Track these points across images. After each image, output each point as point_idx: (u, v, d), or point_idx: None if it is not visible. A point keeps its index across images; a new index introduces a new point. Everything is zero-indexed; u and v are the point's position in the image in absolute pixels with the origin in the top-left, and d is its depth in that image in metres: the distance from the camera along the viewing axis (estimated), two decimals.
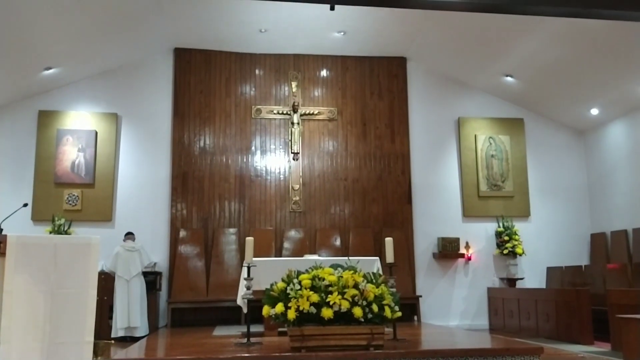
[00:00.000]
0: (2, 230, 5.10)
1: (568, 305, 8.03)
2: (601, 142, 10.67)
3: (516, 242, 10.25)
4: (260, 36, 9.82)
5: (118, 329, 8.21)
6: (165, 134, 10.16)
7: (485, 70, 10.24)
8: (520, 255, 10.27)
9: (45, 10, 7.38)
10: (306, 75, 10.67)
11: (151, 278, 9.14)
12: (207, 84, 10.36)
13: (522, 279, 10.30)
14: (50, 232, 9.10)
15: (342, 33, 9.78)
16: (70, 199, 9.57)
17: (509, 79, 10.17)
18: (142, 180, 9.94)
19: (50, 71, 9.19)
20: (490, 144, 10.76)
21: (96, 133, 9.83)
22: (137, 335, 8.23)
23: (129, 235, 8.95)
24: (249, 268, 5.55)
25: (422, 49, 10.30)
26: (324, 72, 10.71)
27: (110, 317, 8.38)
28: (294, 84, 10.58)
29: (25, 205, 7.07)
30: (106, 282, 8.49)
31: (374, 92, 10.74)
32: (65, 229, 9.25)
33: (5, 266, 3.76)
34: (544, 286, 10.37)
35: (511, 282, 10.20)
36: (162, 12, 8.78)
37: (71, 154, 9.70)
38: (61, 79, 9.65)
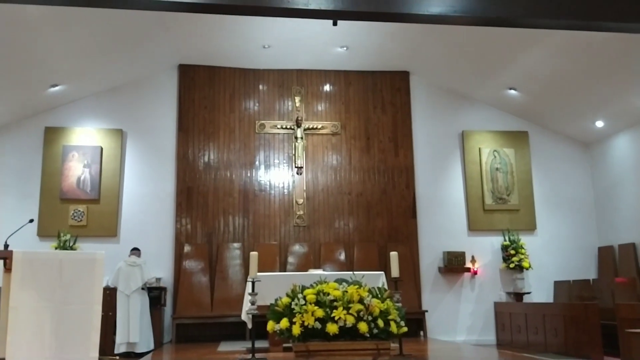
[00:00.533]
0: (8, 246, 5.11)
1: (576, 320, 7.95)
2: (607, 155, 10.64)
3: (522, 256, 10.19)
4: (263, 52, 9.89)
5: (119, 344, 8.18)
6: (169, 149, 10.20)
7: (489, 84, 10.26)
8: (527, 269, 10.20)
9: (52, 29, 7.45)
10: (309, 90, 10.71)
11: (156, 293, 9.12)
12: (211, 100, 10.42)
13: (529, 293, 10.22)
14: (56, 248, 9.10)
15: (344, 48, 9.83)
16: (75, 215, 9.59)
17: (512, 92, 10.18)
18: (146, 195, 9.96)
19: (57, 88, 9.26)
20: (495, 157, 10.75)
21: (101, 149, 9.87)
22: (138, 351, 8.19)
23: (135, 250, 8.95)
24: (253, 283, 5.53)
25: (425, 63, 10.33)
26: (327, 87, 10.75)
27: (115, 333, 8.35)
28: (297, 99, 10.62)
29: (31, 221, 7.07)
30: (111, 297, 8.46)
31: (377, 106, 10.77)
32: (70, 245, 9.26)
33: (11, 282, 3.77)
34: (551, 300, 10.29)
35: (518, 296, 10.12)
36: (166, 30, 8.86)
37: (77, 170, 9.74)
38: (67, 96, 9.72)
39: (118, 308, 8.35)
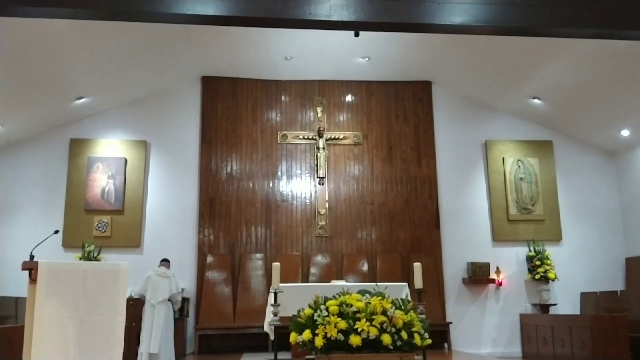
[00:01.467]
0: (33, 257, 5.18)
1: (604, 332, 7.77)
2: (633, 164, 10.44)
3: (548, 267, 10.02)
4: (285, 63, 9.94)
5: (141, 353, 8.20)
6: (193, 160, 10.29)
7: (512, 93, 10.16)
8: (552, 280, 10.02)
9: (77, 42, 7.59)
10: (331, 100, 10.73)
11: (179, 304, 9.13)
12: (234, 111, 10.49)
13: (555, 304, 10.04)
14: (80, 259, 9.22)
15: (366, 59, 9.83)
16: (100, 226, 9.70)
17: (536, 101, 10.07)
18: (170, 206, 10.05)
19: (82, 100, 9.41)
20: (519, 166, 10.62)
21: (126, 160, 9.99)
22: None
23: (165, 262, 9.00)
24: (275, 294, 5.52)
25: (447, 72, 10.28)
26: (348, 97, 10.76)
27: (138, 344, 8.38)
28: (319, 110, 10.64)
29: (57, 232, 7.16)
30: (135, 308, 8.51)
31: (399, 116, 10.74)
32: (94, 256, 9.37)
33: (36, 293, 3.82)
34: (578, 312, 10.09)
35: (544, 308, 9.94)
36: (190, 42, 8.96)
37: (101, 181, 9.87)
38: (92, 108, 9.88)
39: (144, 317, 8.38)
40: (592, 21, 5.34)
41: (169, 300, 8.49)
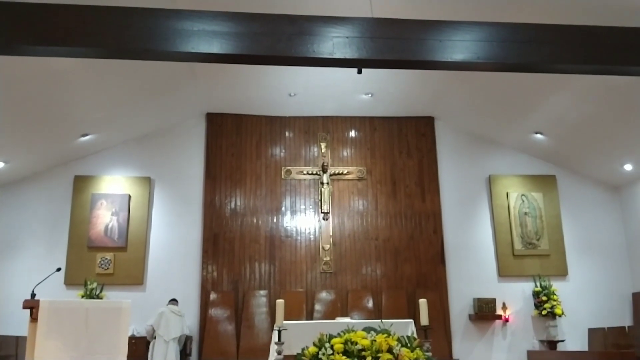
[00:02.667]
0: (35, 295, 5.14)
1: None
2: (637, 198, 10.40)
3: (555, 303, 9.89)
4: (289, 100, 10.03)
5: None
6: (197, 196, 10.30)
7: (514, 128, 10.21)
8: (559, 316, 9.89)
9: (82, 80, 7.69)
10: (335, 136, 10.79)
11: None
12: (238, 147, 10.55)
13: (562, 341, 9.88)
14: (83, 297, 9.15)
15: (369, 95, 9.92)
16: (102, 263, 9.66)
17: (538, 136, 10.10)
18: (173, 242, 10.02)
19: (87, 137, 9.49)
20: (523, 201, 10.59)
21: (129, 197, 10.00)
22: None
23: (174, 301, 8.99)
24: (279, 332, 5.45)
25: (450, 108, 10.35)
26: (352, 133, 10.82)
27: None
28: (323, 145, 10.69)
29: (59, 269, 7.14)
30: (136, 347, 8.43)
31: (403, 151, 10.77)
32: (97, 293, 9.30)
33: (37, 332, 3.77)
34: (586, 348, 9.91)
35: (552, 344, 9.78)
36: (195, 79, 9.08)
37: (105, 218, 9.86)
38: (97, 144, 9.95)
39: (154, 353, 8.30)
40: (592, 57, 5.39)
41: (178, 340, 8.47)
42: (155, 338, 8.46)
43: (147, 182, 10.16)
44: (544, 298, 9.94)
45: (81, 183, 10.00)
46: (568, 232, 10.56)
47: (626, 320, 10.10)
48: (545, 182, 10.74)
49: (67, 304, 4.12)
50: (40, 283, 6.41)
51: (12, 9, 4.92)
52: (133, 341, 8.22)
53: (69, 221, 9.82)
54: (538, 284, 10.12)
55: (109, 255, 9.71)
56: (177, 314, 8.63)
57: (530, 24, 5.42)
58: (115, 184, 10.07)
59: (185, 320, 8.81)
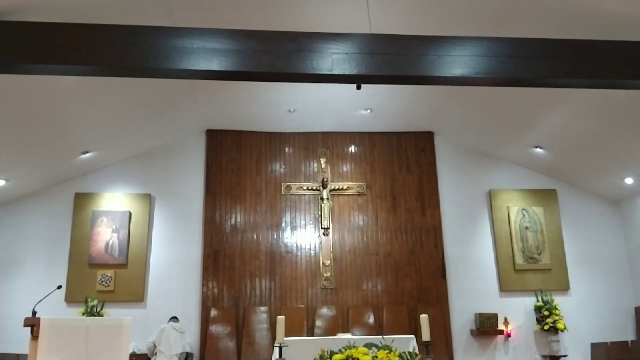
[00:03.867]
0: (35, 313, 5.12)
1: None
2: (638, 212, 10.39)
3: (557, 317, 9.84)
4: (289, 116, 10.07)
5: None
6: (197, 213, 10.29)
7: (514, 143, 10.23)
8: (562, 330, 9.83)
9: (83, 98, 7.72)
10: (334, 151, 10.81)
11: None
12: (238, 163, 10.57)
13: (565, 356, 9.81)
14: (83, 314, 9.12)
15: (368, 110, 9.96)
16: (103, 280, 9.63)
17: (538, 150, 10.13)
18: (174, 259, 9.99)
19: (87, 155, 9.51)
20: (524, 215, 10.59)
21: (130, 214, 10.00)
22: None
23: (174, 319, 8.96)
24: (280, 348, 5.42)
25: (449, 123, 10.39)
26: (352, 148, 10.84)
27: None
28: (322, 161, 10.71)
29: (59, 287, 7.11)
30: (155, 356, 8.39)
31: (403, 166, 10.79)
32: (97, 310, 9.26)
33: (38, 350, 3.76)
34: None
35: (554, 359, 9.72)
36: (194, 96, 9.12)
37: (105, 235, 9.85)
38: (97, 162, 9.97)
39: None
40: (591, 71, 5.44)
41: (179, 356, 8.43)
42: (156, 354, 8.41)
43: (148, 199, 10.16)
44: (546, 313, 9.90)
45: (82, 200, 10.01)
46: (569, 246, 10.54)
47: (629, 335, 10.05)
48: (545, 197, 10.74)
49: (68, 322, 4.10)
50: (41, 301, 6.40)
51: (14, 27, 4.98)
52: (134, 358, 8.19)
53: (70, 238, 9.80)
54: (540, 298, 10.08)
55: (109, 272, 9.69)
56: (179, 330, 8.60)
57: (528, 38, 5.47)
58: (115, 201, 10.08)
59: (187, 338, 8.77)
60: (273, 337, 9.05)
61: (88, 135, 8.94)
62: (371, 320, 9.84)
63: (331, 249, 10.24)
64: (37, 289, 8.56)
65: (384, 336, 5.76)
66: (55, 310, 8.87)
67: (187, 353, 9.05)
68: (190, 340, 9.38)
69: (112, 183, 10.23)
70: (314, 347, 5.13)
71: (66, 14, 5.31)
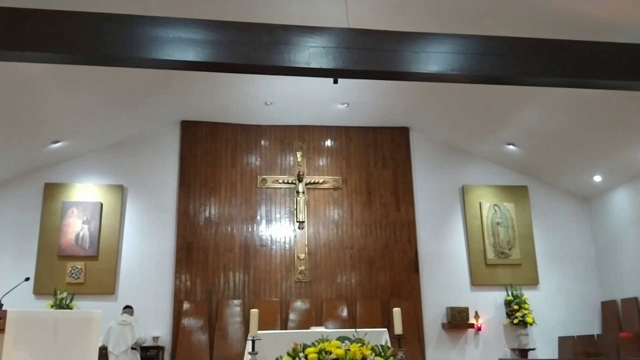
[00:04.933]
0: (2, 305, 5.02)
1: None
2: (606, 209, 10.62)
3: (526, 311, 10.03)
4: (265, 108, 10.02)
5: None
6: (170, 205, 10.19)
7: (488, 139, 10.35)
8: (530, 324, 10.02)
9: (54, 86, 7.58)
10: (311, 145, 10.80)
11: (153, 353, 8.92)
12: (213, 155, 10.48)
13: (533, 349, 10.00)
14: (52, 307, 8.98)
15: (345, 105, 9.97)
16: (73, 272, 9.48)
17: (511, 147, 10.26)
18: (146, 251, 9.89)
19: (58, 144, 9.33)
20: (496, 211, 10.73)
21: (101, 205, 9.86)
22: None
23: (127, 308, 8.80)
24: (253, 342, 5.41)
25: (424, 119, 10.46)
26: (328, 142, 10.85)
27: None
28: (299, 154, 10.69)
29: (27, 279, 6.98)
30: (106, 357, 8.27)
31: (378, 161, 10.83)
32: (67, 303, 9.12)
33: (4, 343, 3.68)
34: (556, 356, 10.04)
35: (523, 352, 9.89)
36: (169, 86, 9.01)
37: (76, 226, 9.70)
38: (68, 152, 9.79)
39: None
40: (563, 71, 5.51)
41: (133, 348, 8.29)
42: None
43: (120, 190, 10.03)
44: (516, 307, 10.07)
45: (52, 191, 9.83)
46: (539, 241, 10.72)
47: (595, 329, 10.29)
48: (517, 193, 10.90)
49: (36, 315, 4.03)
50: (8, 293, 6.27)
51: None
52: (103, 352, 8.08)
53: (39, 229, 9.62)
54: (510, 293, 10.25)
55: (79, 265, 9.54)
56: (125, 323, 8.39)
57: (503, 37, 5.52)
58: (86, 192, 9.92)
59: (136, 326, 8.54)
60: (246, 331, 9.02)
61: (59, 124, 8.77)
62: (345, 313, 9.89)
63: (306, 243, 10.25)
64: (4, 281, 8.36)
65: (357, 329, 5.78)
66: (23, 303, 8.70)
67: (158, 346, 8.95)
68: (161, 333, 9.31)
69: (83, 173, 10.06)
70: (287, 340, 5.11)
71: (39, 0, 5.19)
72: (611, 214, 10.46)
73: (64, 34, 4.85)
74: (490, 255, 10.50)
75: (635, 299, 9.54)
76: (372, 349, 4.74)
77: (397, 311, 5.91)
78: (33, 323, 3.81)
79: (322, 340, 4.82)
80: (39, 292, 9.30)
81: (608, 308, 10.27)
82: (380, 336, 7.02)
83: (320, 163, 10.75)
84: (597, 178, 10.23)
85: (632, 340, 8.60)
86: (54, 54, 4.89)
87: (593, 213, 11.01)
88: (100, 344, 8.15)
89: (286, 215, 10.39)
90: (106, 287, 9.55)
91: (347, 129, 10.87)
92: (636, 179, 9.77)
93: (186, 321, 9.55)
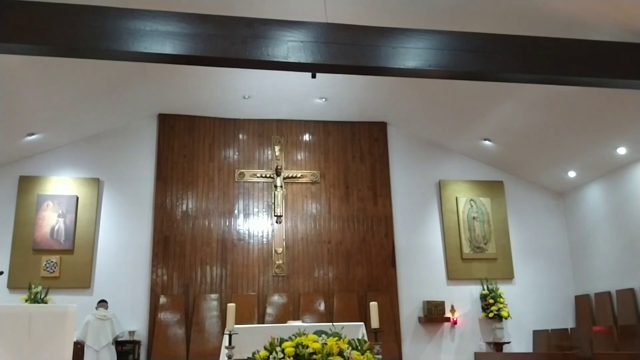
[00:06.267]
0: None
1: None
2: (580, 204, 10.80)
3: (501, 305, 10.17)
4: (244, 102, 9.98)
5: None
6: (147, 198, 10.11)
7: (464, 135, 10.45)
8: (506, 318, 10.17)
9: (30, 78, 7.45)
10: (289, 139, 10.79)
11: (129, 347, 8.87)
12: (191, 149, 10.42)
13: (508, 343, 10.15)
14: (26, 301, 8.86)
15: (323, 99, 9.98)
16: (48, 266, 9.37)
17: (487, 142, 10.37)
18: (122, 245, 9.80)
19: (33, 137, 9.19)
20: (472, 206, 10.85)
21: (77, 198, 9.74)
22: None
23: (102, 302, 8.73)
24: (230, 336, 5.41)
25: (402, 114, 10.51)
26: (306, 137, 10.85)
27: None
28: (277, 148, 10.68)
29: (1, 273, 6.88)
30: (82, 352, 8.20)
31: (356, 155, 10.87)
32: (42, 297, 9.01)
33: None
34: (530, 350, 10.21)
35: (498, 346, 10.04)
36: (146, 79, 8.92)
37: (51, 220, 9.57)
38: (43, 144, 9.64)
39: None
40: (539, 67, 5.60)
41: (111, 344, 8.23)
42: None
43: (96, 184, 9.92)
44: (491, 301, 10.21)
45: (26, 183, 9.68)
46: (514, 236, 10.87)
47: (569, 323, 10.48)
48: (493, 188, 11.03)
49: (9, 309, 3.98)
50: None
51: None
52: (79, 346, 8.01)
53: (13, 222, 9.47)
54: (485, 287, 10.38)
55: (54, 258, 9.43)
56: (104, 318, 8.33)
57: (480, 33, 5.58)
58: (62, 185, 9.79)
59: (116, 321, 8.50)
60: (223, 325, 9.01)
61: (34, 116, 8.63)
62: (322, 307, 9.93)
63: (284, 237, 10.25)
64: None
65: (334, 323, 5.81)
66: None
67: (134, 341, 8.90)
68: (137, 327, 9.26)
69: (59, 166, 9.93)
70: (264, 334, 5.12)
71: None
72: (585, 209, 10.65)
73: (39, 25, 4.78)
74: (466, 249, 10.61)
75: (609, 293, 9.74)
76: (349, 343, 4.78)
77: (373, 305, 5.95)
78: (6, 318, 3.77)
79: (299, 335, 4.84)
80: (13, 286, 9.18)
81: (582, 302, 10.46)
82: (357, 330, 7.07)
83: (299, 157, 10.75)
84: (572, 173, 10.39)
85: (605, 333, 8.76)
86: (30, 45, 4.82)
87: (567, 208, 11.19)
88: (75, 339, 8.12)
89: (264, 210, 10.38)
90: (82, 281, 9.45)
91: (325, 123, 10.89)
92: (610, 175, 9.96)
93: (163, 315, 9.50)
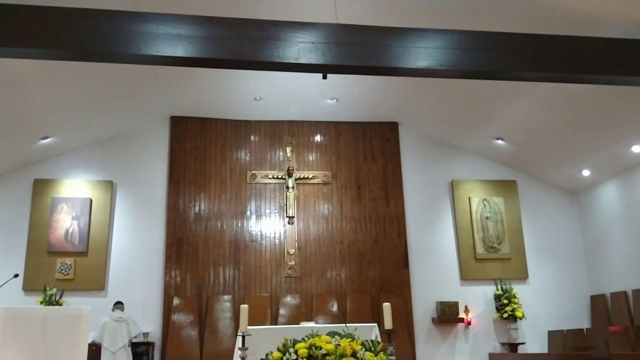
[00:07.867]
0: None
1: None
2: (594, 203, 10.70)
3: (516, 305, 10.09)
4: (255, 104, 10.01)
5: None
6: (160, 200, 10.17)
7: (476, 134, 10.39)
8: (520, 318, 10.09)
9: (43, 82, 7.52)
10: (300, 140, 10.80)
11: (143, 349, 8.91)
12: (203, 151, 10.46)
13: (523, 343, 10.08)
14: (41, 303, 8.93)
15: (334, 100, 9.97)
16: (62, 268, 9.45)
17: (499, 142, 10.31)
18: (136, 247, 9.86)
19: (47, 140, 9.28)
20: (485, 206, 10.78)
21: (91, 201, 9.81)
22: None
23: (118, 304, 8.79)
24: (243, 337, 5.42)
25: (413, 113, 10.48)
26: (317, 137, 10.85)
27: None
28: (288, 149, 10.69)
29: (16, 276, 6.97)
30: (96, 353, 8.25)
31: (367, 155, 10.85)
32: (56, 299, 9.08)
33: None
34: (545, 350, 10.13)
35: (512, 347, 9.97)
36: (159, 82, 8.97)
37: (65, 222, 9.65)
38: (57, 147, 9.73)
39: None
40: (551, 65, 5.55)
41: (127, 345, 8.28)
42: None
43: (109, 186, 9.99)
44: (505, 301, 10.13)
45: (41, 186, 9.77)
46: (528, 236, 10.79)
47: (584, 323, 10.38)
48: (506, 187, 10.96)
49: (25, 311, 4.02)
50: None
51: None
52: (93, 348, 8.06)
53: (28, 225, 9.57)
54: (499, 287, 10.31)
55: (69, 260, 9.51)
56: (120, 320, 8.38)
57: (491, 32, 5.54)
58: (76, 188, 9.87)
59: (132, 323, 8.55)
60: (236, 326, 9.03)
61: (48, 120, 8.72)
62: (335, 308, 9.92)
63: (296, 238, 10.26)
64: None
65: (347, 324, 5.81)
66: (13, 299, 8.66)
67: (148, 342, 8.95)
68: (151, 329, 9.30)
69: (72, 169, 10.01)
70: (277, 336, 5.13)
71: None
72: (600, 208, 10.55)
73: (51, 30, 4.83)
74: (480, 249, 10.55)
75: (624, 292, 9.63)
76: (362, 344, 4.77)
77: (387, 306, 5.93)
78: (22, 319, 3.80)
79: (312, 336, 4.84)
80: (28, 288, 9.26)
81: (597, 302, 10.35)
82: (370, 331, 7.05)
83: (310, 158, 10.75)
84: (586, 172, 10.30)
85: (621, 334, 8.67)
86: (42, 50, 4.87)
87: (582, 207, 11.09)
88: (91, 340, 8.18)
89: (276, 211, 10.39)
90: (96, 283, 9.52)
91: (336, 124, 10.88)
92: (624, 173, 9.86)
93: (176, 317, 9.54)
